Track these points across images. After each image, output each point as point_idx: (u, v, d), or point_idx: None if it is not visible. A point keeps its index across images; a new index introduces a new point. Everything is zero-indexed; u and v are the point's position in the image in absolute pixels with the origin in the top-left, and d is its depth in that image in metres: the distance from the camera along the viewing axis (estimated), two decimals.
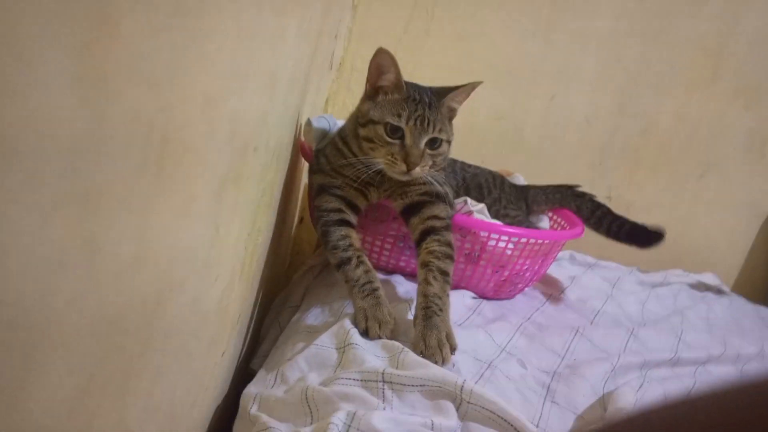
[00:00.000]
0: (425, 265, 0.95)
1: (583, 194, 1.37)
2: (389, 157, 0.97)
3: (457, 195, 1.21)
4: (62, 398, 0.35)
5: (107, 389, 0.40)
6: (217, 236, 0.55)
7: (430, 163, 1.00)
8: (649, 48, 1.66)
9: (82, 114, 0.30)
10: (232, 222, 0.61)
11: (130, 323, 0.39)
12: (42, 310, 0.31)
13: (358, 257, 0.97)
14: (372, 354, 0.84)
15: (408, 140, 0.96)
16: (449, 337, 0.87)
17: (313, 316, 1.03)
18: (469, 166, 1.32)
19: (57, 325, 0.32)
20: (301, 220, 1.70)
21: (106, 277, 0.35)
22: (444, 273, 0.95)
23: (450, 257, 0.97)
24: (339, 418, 0.64)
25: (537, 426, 0.84)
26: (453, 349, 0.87)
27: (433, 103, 0.99)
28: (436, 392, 0.76)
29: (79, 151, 0.31)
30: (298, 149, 1.19)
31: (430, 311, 0.88)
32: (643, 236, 1.30)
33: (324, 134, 1.17)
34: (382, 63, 0.98)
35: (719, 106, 1.70)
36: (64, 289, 0.32)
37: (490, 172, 1.33)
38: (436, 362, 0.84)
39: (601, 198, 1.42)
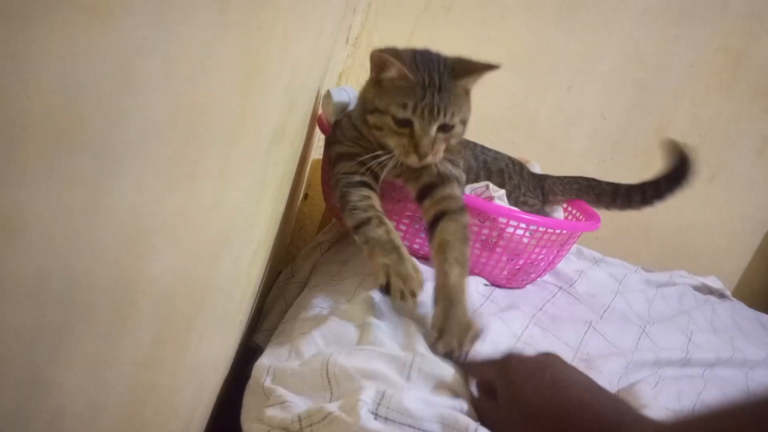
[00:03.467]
0: (442, 249, 0.90)
1: (599, 182, 1.35)
2: (400, 148, 0.92)
3: (477, 179, 1.18)
4: (141, 351, 0.32)
5: (171, 344, 0.36)
6: (261, 194, 0.51)
7: (444, 146, 0.95)
8: (671, 45, 1.64)
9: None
10: (271, 182, 0.57)
11: (195, 272, 0.35)
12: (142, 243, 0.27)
13: (379, 218, 0.91)
14: (393, 341, 0.81)
15: (417, 130, 0.91)
16: (468, 327, 0.83)
17: (324, 292, 0.99)
18: (489, 150, 1.28)
19: (150, 262, 0.29)
20: (305, 196, 1.66)
21: (195, 217, 0.31)
22: (463, 257, 0.90)
23: (467, 240, 0.93)
24: (368, 396, 0.61)
25: None
26: (472, 340, 0.83)
27: (444, 85, 0.91)
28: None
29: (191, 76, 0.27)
30: (315, 121, 1.15)
31: (450, 297, 0.85)
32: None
33: (344, 108, 1.13)
34: (380, 63, 0.92)
35: (736, 108, 1.68)
36: (168, 217, 0.28)
37: (510, 159, 1.30)
38: (452, 349, 0.80)
39: None
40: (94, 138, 0.21)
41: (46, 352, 0.23)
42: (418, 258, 1.12)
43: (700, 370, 1.13)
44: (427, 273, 1.05)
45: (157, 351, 0.34)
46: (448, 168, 0.98)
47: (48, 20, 0.17)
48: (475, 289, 1.09)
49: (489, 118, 1.67)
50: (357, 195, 0.94)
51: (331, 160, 1.05)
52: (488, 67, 0.94)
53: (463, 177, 1.06)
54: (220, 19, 0.27)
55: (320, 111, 1.17)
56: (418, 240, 1.11)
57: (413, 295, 0.82)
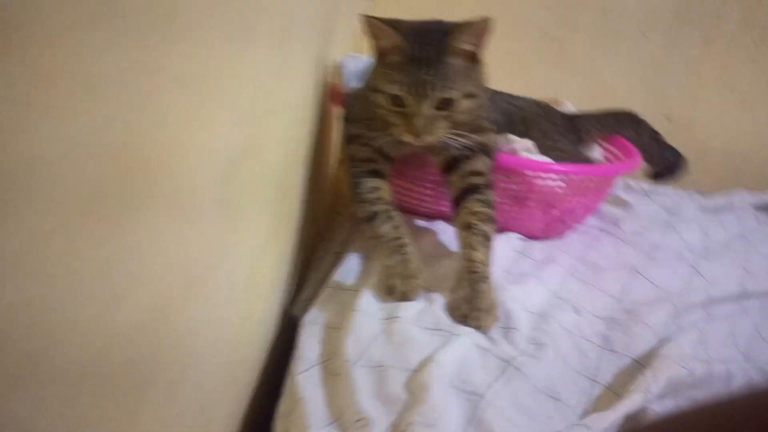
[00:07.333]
0: (468, 227, 0.89)
1: (641, 120, 1.26)
2: (397, 127, 0.89)
3: (500, 131, 1.13)
4: None
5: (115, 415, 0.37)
6: (233, 212, 0.51)
7: (445, 124, 0.89)
8: None
9: None
10: (253, 197, 0.57)
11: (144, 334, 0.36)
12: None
13: (387, 212, 0.92)
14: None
15: (409, 108, 0.87)
16: (494, 306, 0.83)
17: (355, 263, 0.99)
18: (513, 97, 1.22)
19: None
20: (342, 161, 1.65)
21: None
22: (488, 238, 0.89)
23: (493, 220, 0.92)
24: None
25: (594, 381, 0.80)
26: (495, 320, 0.83)
27: (437, 58, 0.85)
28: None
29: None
30: (327, 93, 1.12)
31: (478, 276, 0.84)
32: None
33: (359, 75, 1.10)
34: (372, 30, 0.87)
35: None
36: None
37: (537, 103, 1.23)
38: (478, 326, 0.81)
39: (659, 118, 1.30)
40: None
41: None
42: (446, 219, 1.10)
43: (758, 302, 1.07)
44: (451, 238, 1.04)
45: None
46: (471, 140, 0.92)
47: None
48: (508, 245, 1.07)
49: (517, 54, 1.58)
50: (366, 186, 0.94)
51: (346, 138, 1.03)
52: (471, 22, 0.85)
53: (493, 139, 1.01)
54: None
55: (333, 81, 1.14)
56: (444, 203, 1.08)
57: (412, 294, 0.84)
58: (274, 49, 0.58)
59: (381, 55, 0.90)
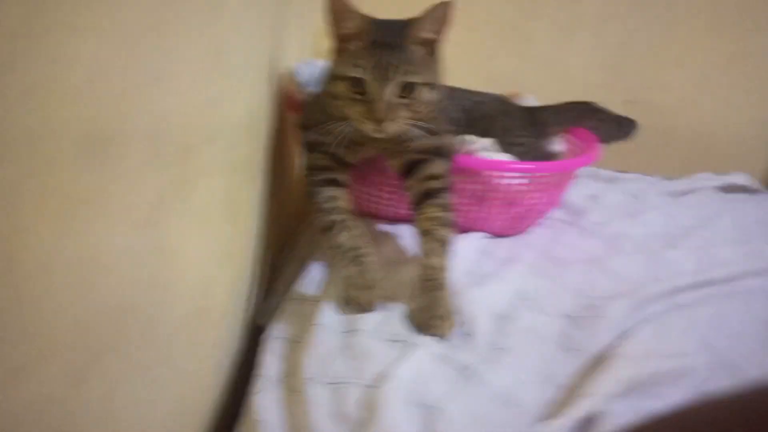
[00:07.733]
0: (426, 233, 0.89)
1: (600, 109, 1.26)
2: (356, 115, 0.87)
3: (460, 128, 1.12)
4: None
5: None
6: (167, 253, 0.50)
7: (407, 114, 0.87)
8: None
9: None
10: (192, 229, 0.56)
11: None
12: None
13: (343, 221, 0.91)
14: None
15: (371, 92, 0.85)
16: (451, 313, 0.84)
17: (317, 272, 0.99)
18: (472, 92, 1.21)
19: None
20: None
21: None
22: (446, 243, 0.88)
23: (451, 224, 0.91)
24: None
25: (554, 383, 0.80)
26: (452, 327, 0.84)
27: (398, 44, 0.85)
28: None
29: None
30: (284, 101, 1.11)
31: (434, 283, 0.84)
32: None
33: (314, 81, 1.09)
34: (336, 11, 0.85)
35: None
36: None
37: (496, 98, 1.23)
38: (436, 334, 0.81)
39: (621, 103, 1.29)
40: None
41: None
42: (409, 223, 1.10)
43: (722, 288, 1.08)
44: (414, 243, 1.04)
45: None
46: (429, 141, 0.92)
47: None
48: (470, 245, 1.07)
49: (480, 48, 1.58)
50: (323, 196, 0.93)
51: (302, 146, 1.02)
52: (431, 7, 0.84)
53: (450, 141, 1.00)
54: None
55: (290, 89, 1.13)
56: (405, 206, 1.08)
57: (369, 305, 0.85)
58: (205, 72, 0.56)
59: (342, 42, 0.88)
